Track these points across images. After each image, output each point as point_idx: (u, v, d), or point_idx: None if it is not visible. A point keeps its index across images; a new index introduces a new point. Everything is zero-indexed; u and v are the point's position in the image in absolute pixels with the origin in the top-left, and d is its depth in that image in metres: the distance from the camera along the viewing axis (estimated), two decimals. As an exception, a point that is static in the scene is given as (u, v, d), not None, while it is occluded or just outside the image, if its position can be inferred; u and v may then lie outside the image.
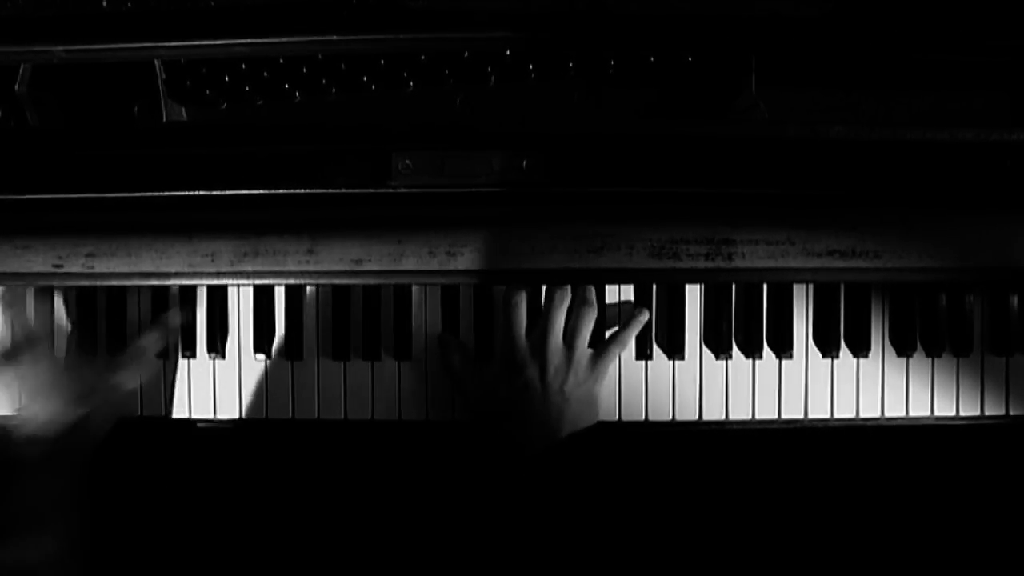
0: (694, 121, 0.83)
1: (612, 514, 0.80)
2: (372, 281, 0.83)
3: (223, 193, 0.80)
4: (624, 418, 0.86)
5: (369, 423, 0.87)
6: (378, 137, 0.80)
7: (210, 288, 0.87)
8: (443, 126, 0.81)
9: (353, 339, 0.86)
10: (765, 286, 0.86)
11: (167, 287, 0.86)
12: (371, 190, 0.80)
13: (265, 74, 0.85)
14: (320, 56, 0.84)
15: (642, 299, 0.86)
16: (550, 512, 0.76)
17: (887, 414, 0.86)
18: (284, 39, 0.77)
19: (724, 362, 0.86)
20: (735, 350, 0.86)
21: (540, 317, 0.83)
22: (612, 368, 0.85)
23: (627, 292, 0.87)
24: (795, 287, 0.86)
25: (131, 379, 0.84)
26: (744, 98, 0.83)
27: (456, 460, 0.90)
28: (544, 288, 0.85)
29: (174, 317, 0.87)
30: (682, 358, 0.86)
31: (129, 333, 0.88)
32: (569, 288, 0.84)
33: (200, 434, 0.88)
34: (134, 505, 0.95)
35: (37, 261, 0.82)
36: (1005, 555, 0.92)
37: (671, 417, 0.86)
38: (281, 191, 0.80)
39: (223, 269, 0.82)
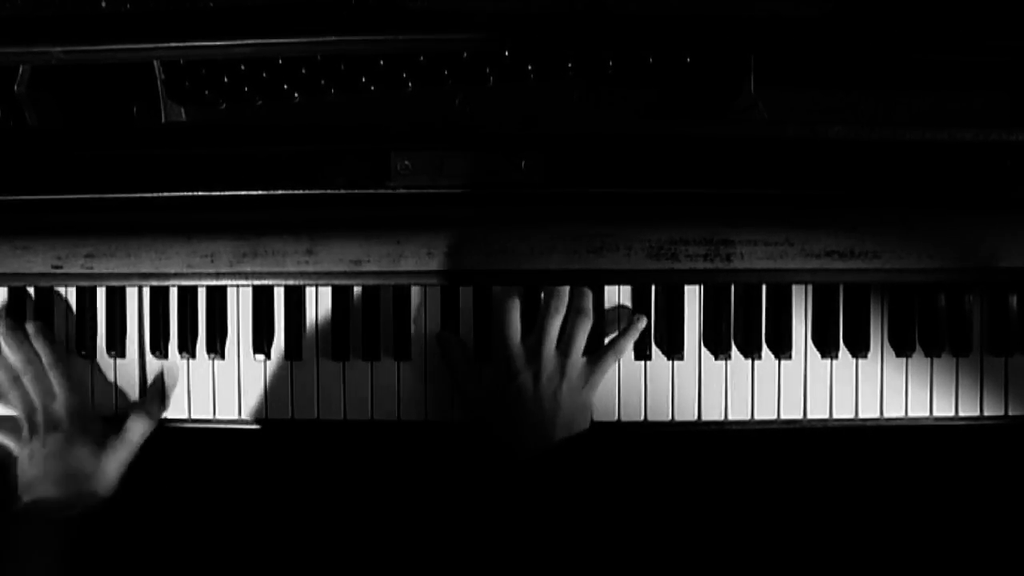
0: (693, 121, 0.83)
1: (609, 515, 0.80)
2: (371, 282, 0.83)
3: (222, 194, 0.80)
4: (623, 418, 0.86)
5: (368, 423, 0.87)
6: (377, 138, 0.80)
7: (209, 289, 0.87)
8: (442, 127, 0.81)
9: (352, 340, 0.86)
10: (764, 287, 0.86)
11: (167, 287, 0.86)
12: (370, 191, 0.80)
13: (264, 75, 0.85)
14: (319, 57, 0.84)
15: (641, 300, 0.86)
16: (542, 515, 0.76)
17: (886, 414, 0.85)
18: (283, 40, 0.77)
19: (723, 362, 0.86)
20: (734, 351, 0.86)
21: (536, 323, 0.83)
22: (611, 369, 0.85)
23: (626, 293, 0.87)
24: (794, 288, 0.86)
25: (122, 464, 0.84)
26: (743, 98, 0.83)
27: (455, 461, 0.90)
28: (543, 292, 0.85)
29: (154, 405, 0.87)
30: (681, 359, 0.86)
31: (129, 334, 0.88)
32: (566, 295, 0.83)
33: (199, 434, 0.88)
34: (133, 505, 0.95)
35: (36, 262, 0.83)
36: (1005, 555, 0.92)
37: (670, 418, 0.86)
38: (280, 192, 0.80)
39: (222, 270, 0.82)
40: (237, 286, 0.86)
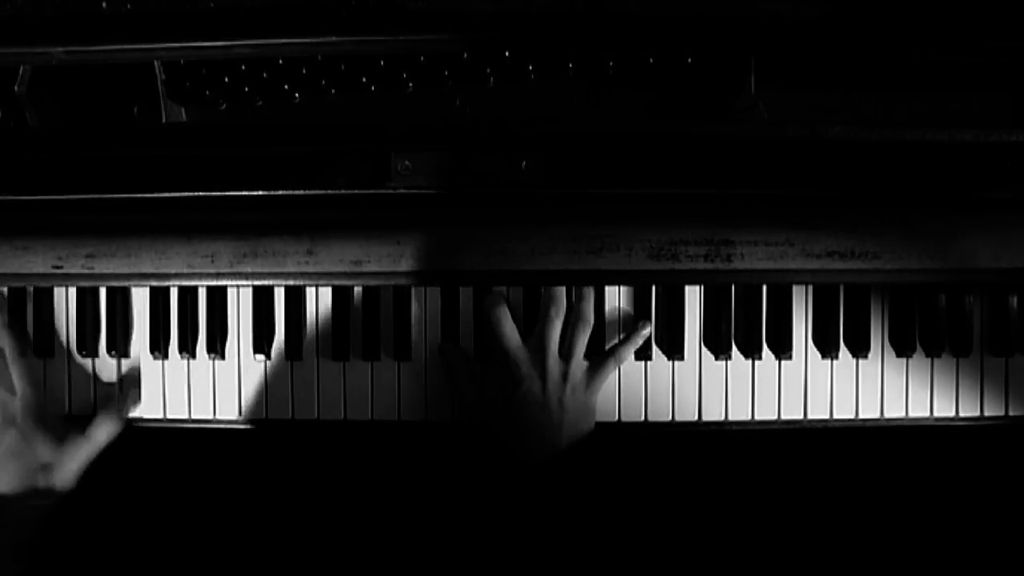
0: (693, 122, 0.83)
1: (612, 517, 0.80)
2: (372, 282, 0.83)
3: (223, 194, 0.80)
4: (624, 419, 0.86)
5: (368, 423, 0.87)
6: (377, 138, 0.80)
7: (210, 289, 0.87)
8: (442, 127, 0.81)
9: (353, 340, 0.86)
10: (764, 287, 0.86)
11: (167, 288, 0.86)
12: (370, 191, 0.80)
13: (265, 75, 0.85)
14: (320, 57, 0.84)
15: (641, 300, 0.86)
16: (549, 519, 0.76)
17: (886, 415, 0.85)
18: (284, 40, 0.77)
19: (723, 363, 0.86)
20: (734, 351, 0.86)
21: (536, 328, 0.83)
22: (612, 373, 0.85)
23: (626, 293, 0.87)
24: (794, 288, 0.86)
25: (82, 464, 0.84)
26: (743, 98, 0.83)
27: (456, 462, 0.90)
28: (542, 291, 0.85)
29: (130, 399, 0.87)
30: (681, 359, 0.86)
31: (129, 334, 0.88)
32: (563, 298, 0.83)
33: (199, 434, 0.88)
34: (133, 505, 0.95)
35: (37, 262, 0.83)
36: (1005, 555, 0.92)
37: (671, 418, 0.86)
38: (280, 192, 0.80)
39: (223, 270, 0.82)
40: (237, 286, 0.86)
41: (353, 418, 0.87)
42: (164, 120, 0.84)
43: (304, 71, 0.84)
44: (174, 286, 0.86)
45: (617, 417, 0.86)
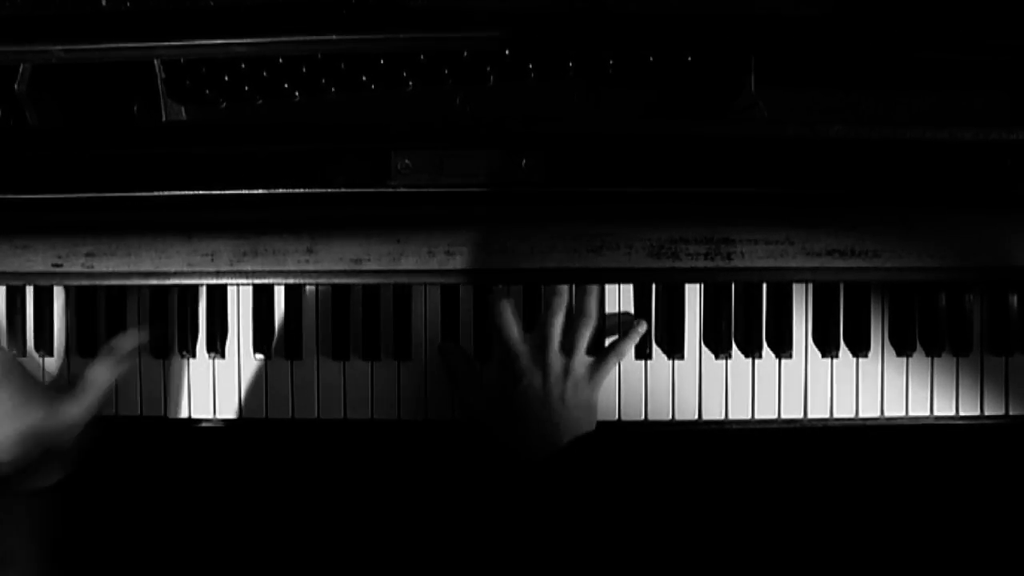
0: (693, 121, 0.83)
1: (611, 516, 0.80)
2: (372, 281, 0.83)
3: (222, 192, 0.80)
4: (624, 418, 0.86)
5: (369, 423, 0.87)
6: (377, 136, 0.80)
7: (210, 288, 0.87)
8: (442, 126, 0.81)
9: (353, 339, 0.86)
10: (764, 286, 0.86)
11: (167, 287, 0.86)
12: (370, 189, 0.80)
13: (265, 73, 0.85)
14: (320, 56, 0.84)
15: (642, 299, 0.86)
16: (549, 517, 0.76)
17: (887, 414, 0.85)
18: (283, 39, 0.77)
19: (724, 362, 0.86)
20: (735, 350, 0.86)
21: (538, 323, 0.83)
22: (613, 369, 0.84)
23: (627, 292, 0.87)
24: (794, 287, 0.86)
25: (85, 410, 0.79)
26: (744, 98, 0.83)
27: (456, 461, 0.90)
28: (542, 289, 0.85)
29: (127, 341, 0.84)
30: (682, 358, 0.86)
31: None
32: (566, 292, 0.83)
33: (199, 434, 0.88)
34: (133, 504, 0.95)
35: (37, 261, 0.82)
36: (1005, 555, 0.92)
37: (671, 417, 0.86)
38: (280, 191, 0.80)
39: (223, 268, 0.82)
40: (237, 285, 0.86)
41: (353, 417, 0.87)
42: (164, 119, 0.84)
43: (304, 70, 0.84)
44: (174, 285, 0.86)
45: (617, 416, 0.86)
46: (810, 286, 0.86)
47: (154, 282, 0.83)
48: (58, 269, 0.82)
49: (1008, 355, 0.86)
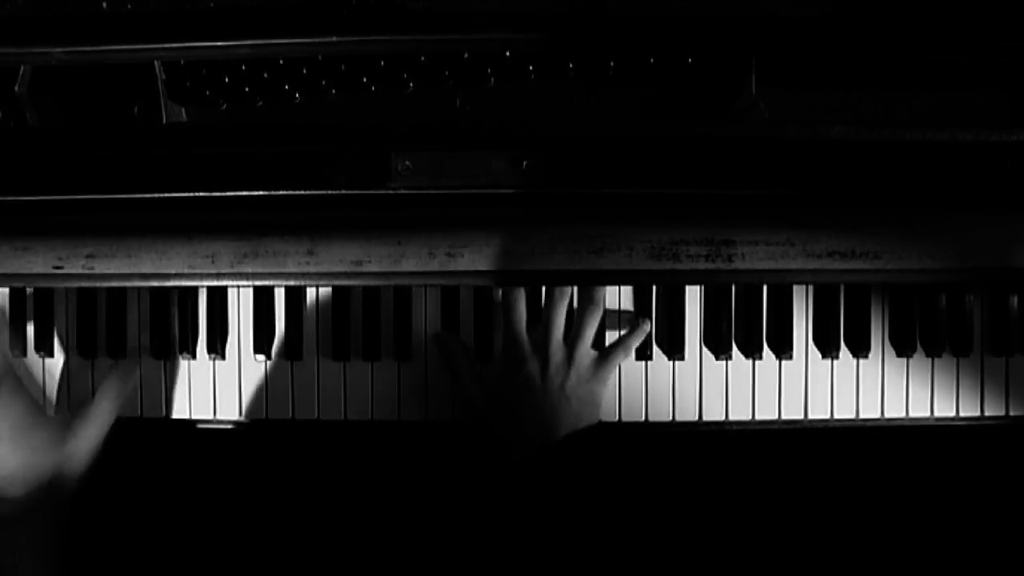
0: (694, 122, 0.83)
1: (609, 514, 0.80)
2: (372, 282, 0.83)
3: (223, 194, 0.80)
4: (624, 418, 0.86)
5: (369, 423, 0.87)
6: (378, 138, 0.80)
7: (210, 289, 0.87)
8: (443, 127, 0.81)
9: (353, 340, 0.86)
10: (765, 287, 0.86)
11: (167, 288, 0.86)
12: (371, 191, 0.80)
13: (265, 75, 0.84)
14: (320, 57, 0.83)
15: (642, 300, 0.86)
16: (542, 513, 0.75)
17: (887, 415, 0.86)
18: (284, 40, 0.77)
19: (724, 363, 0.86)
20: (735, 351, 0.86)
21: (542, 314, 0.83)
22: (619, 365, 0.85)
23: (627, 293, 0.87)
24: (795, 288, 0.86)
25: (111, 413, 0.81)
26: (744, 98, 0.83)
27: (456, 460, 0.90)
28: (543, 290, 0.85)
29: (126, 374, 0.85)
30: (682, 359, 0.86)
31: (129, 334, 0.88)
32: (568, 287, 0.83)
33: (200, 435, 0.88)
34: (133, 506, 0.95)
35: (37, 262, 0.82)
36: (1005, 555, 0.92)
37: (671, 418, 0.86)
38: (281, 192, 0.80)
39: (223, 270, 0.82)
40: (238, 286, 0.87)
41: (353, 418, 0.87)
42: (164, 120, 0.84)
43: (304, 71, 0.84)
44: (175, 286, 0.86)
45: (617, 417, 0.86)
46: (810, 287, 0.86)
47: (155, 284, 0.83)
48: (59, 271, 0.82)
49: (1008, 356, 0.86)
